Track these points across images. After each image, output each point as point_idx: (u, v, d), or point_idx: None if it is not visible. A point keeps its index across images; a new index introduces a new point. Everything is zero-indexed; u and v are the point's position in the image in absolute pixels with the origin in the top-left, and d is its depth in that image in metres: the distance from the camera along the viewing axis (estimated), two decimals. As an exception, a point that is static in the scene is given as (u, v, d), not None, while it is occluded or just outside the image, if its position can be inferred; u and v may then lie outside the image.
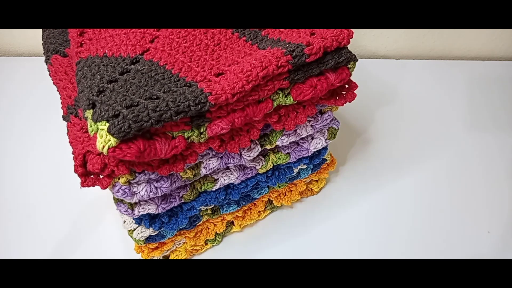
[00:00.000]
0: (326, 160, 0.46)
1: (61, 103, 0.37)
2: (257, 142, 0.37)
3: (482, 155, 0.54)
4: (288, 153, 0.41)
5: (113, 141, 0.26)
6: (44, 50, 0.42)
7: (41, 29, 0.45)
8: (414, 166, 0.53)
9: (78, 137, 0.32)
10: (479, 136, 0.57)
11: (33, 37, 0.76)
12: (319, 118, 0.40)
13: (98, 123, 0.27)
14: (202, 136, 0.31)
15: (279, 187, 0.44)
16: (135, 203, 0.35)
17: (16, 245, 0.46)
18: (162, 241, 0.40)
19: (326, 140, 0.42)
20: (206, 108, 0.29)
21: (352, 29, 0.33)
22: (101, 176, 0.31)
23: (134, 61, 0.34)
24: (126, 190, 0.32)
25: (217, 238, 0.45)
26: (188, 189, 0.37)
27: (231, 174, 0.38)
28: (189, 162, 0.33)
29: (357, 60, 0.35)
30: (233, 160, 0.37)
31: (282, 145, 0.40)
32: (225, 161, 0.36)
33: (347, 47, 0.34)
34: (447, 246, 0.44)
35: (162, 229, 0.38)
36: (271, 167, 0.41)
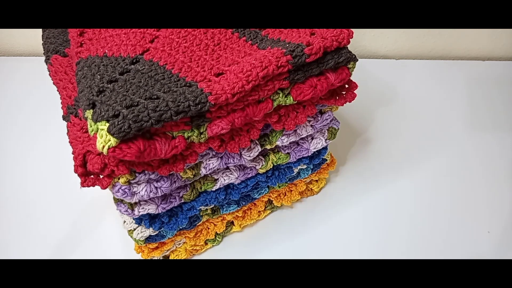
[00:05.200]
0: (326, 160, 0.46)
1: (61, 103, 0.37)
2: (257, 142, 0.37)
3: (482, 155, 0.54)
4: (288, 153, 0.41)
5: (113, 141, 0.26)
6: (44, 50, 0.42)
7: (41, 29, 0.45)
8: (414, 166, 0.53)
9: (78, 137, 0.32)
10: (479, 136, 0.57)
11: (33, 37, 0.76)
12: (319, 118, 0.40)
13: (98, 123, 0.27)
14: (202, 136, 0.31)
15: (279, 187, 0.44)
16: (135, 203, 0.35)
17: (16, 245, 0.46)
18: (162, 241, 0.40)
19: (326, 140, 0.42)
20: (206, 108, 0.29)
21: (352, 29, 0.33)
22: (101, 176, 0.31)
23: (134, 61, 0.34)
24: (126, 190, 0.32)
25: (217, 238, 0.45)
26: (188, 189, 0.37)
27: (231, 174, 0.38)
28: (189, 162, 0.33)
29: (357, 60, 0.35)
30: (233, 160, 0.37)
31: (282, 145, 0.40)
32: (225, 161, 0.36)
33: (347, 47, 0.34)
34: (447, 246, 0.44)
35: (162, 229, 0.38)
36: (271, 167, 0.41)
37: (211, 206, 0.40)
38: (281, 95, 0.33)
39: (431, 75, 0.69)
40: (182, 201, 0.38)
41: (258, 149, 0.37)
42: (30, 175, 0.53)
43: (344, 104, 0.38)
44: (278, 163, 0.41)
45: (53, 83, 0.40)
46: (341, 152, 0.54)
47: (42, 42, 0.43)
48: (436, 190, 0.50)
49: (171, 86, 0.30)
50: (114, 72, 0.32)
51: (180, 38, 0.36)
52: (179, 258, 0.43)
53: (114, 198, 0.35)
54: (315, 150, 0.42)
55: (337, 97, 0.37)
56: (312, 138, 0.42)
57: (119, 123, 0.26)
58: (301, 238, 0.46)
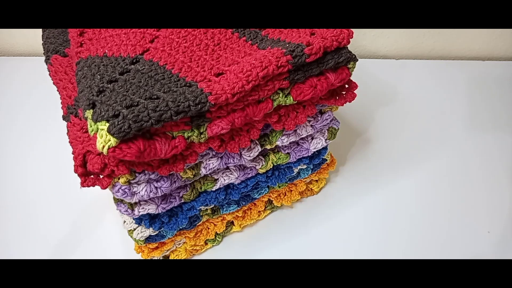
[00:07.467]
0: (326, 160, 0.46)
1: (61, 103, 0.37)
2: (257, 142, 0.37)
3: (482, 155, 0.54)
4: (288, 153, 0.41)
5: (113, 141, 0.26)
6: (44, 50, 0.42)
7: (41, 29, 0.45)
8: (414, 166, 0.53)
9: (78, 137, 0.32)
10: (479, 136, 0.57)
11: (33, 37, 0.76)
12: (319, 118, 0.40)
13: (98, 123, 0.27)
14: (202, 136, 0.31)
15: (279, 187, 0.44)
16: (135, 203, 0.35)
17: (16, 245, 0.46)
18: (162, 241, 0.40)
19: (326, 140, 0.42)
20: (206, 108, 0.29)
21: (352, 29, 0.33)
22: (101, 176, 0.31)
23: (134, 61, 0.34)
24: (126, 190, 0.32)
25: (217, 238, 0.45)
26: (188, 189, 0.37)
27: (231, 174, 0.38)
28: (189, 162, 0.33)
29: (357, 60, 0.35)
30: (233, 160, 0.37)
31: (282, 145, 0.40)
32: (225, 161, 0.36)
33: (347, 47, 0.34)
34: (447, 246, 0.44)
35: (162, 229, 0.38)
36: (271, 167, 0.41)
37: (211, 206, 0.40)
38: (281, 95, 0.33)
39: (431, 75, 0.69)
40: (182, 201, 0.38)
41: (258, 149, 0.37)
42: (30, 175, 0.53)
43: (344, 104, 0.38)
44: (278, 163, 0.41)
45: (53, 83, 0.40)
46: (341, 152, 0.54)
47: (42, 42, 0.43)
48: (436, 190, 0.50)
49: (171, 86, 0.30)
50: (114, 72, 0.32)
51: (180, 38, 0.36)
52: (179, 258, 0.43)
53: (114, 198, 0.35)
54: (315, 150, 0.42)
55: (337, 97, 0.37)
56: (312, 138, 0.42)
57: (119, 123, 0.26)
58: (301, 238, 0.46)
